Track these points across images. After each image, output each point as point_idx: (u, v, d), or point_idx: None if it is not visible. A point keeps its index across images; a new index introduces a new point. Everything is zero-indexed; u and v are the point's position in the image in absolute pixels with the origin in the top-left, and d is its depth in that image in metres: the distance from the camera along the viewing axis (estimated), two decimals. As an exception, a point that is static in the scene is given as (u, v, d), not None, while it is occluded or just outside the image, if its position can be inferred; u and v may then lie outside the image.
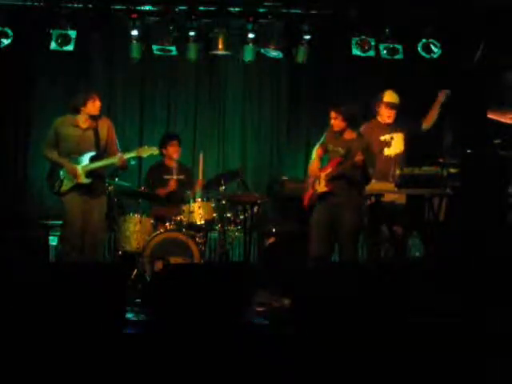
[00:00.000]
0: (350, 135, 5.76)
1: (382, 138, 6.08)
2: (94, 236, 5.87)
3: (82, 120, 5.86)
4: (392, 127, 6.15)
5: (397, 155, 6.15)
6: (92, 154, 5.85)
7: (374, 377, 3.34)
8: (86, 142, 5.86)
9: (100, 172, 5.95)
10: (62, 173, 5.84)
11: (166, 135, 7.16)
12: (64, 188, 5.81)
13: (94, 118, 5.90)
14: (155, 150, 6.24)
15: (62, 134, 5.86)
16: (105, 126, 5.96)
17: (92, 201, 5.84)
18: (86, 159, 5.84)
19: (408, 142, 6.19)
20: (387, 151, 6.08)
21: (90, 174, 5.82)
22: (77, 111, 5.87)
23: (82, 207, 5.79)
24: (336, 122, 5.72)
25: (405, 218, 5.96)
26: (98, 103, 5.86)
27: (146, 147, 6.19)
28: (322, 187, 5.73)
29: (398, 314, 3.70)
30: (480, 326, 3.67)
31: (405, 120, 6.23)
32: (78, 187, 5.80)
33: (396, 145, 6.12)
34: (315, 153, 5.93)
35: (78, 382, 3.29)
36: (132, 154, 6.08)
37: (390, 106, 6.10)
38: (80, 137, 5.85)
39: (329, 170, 5.72)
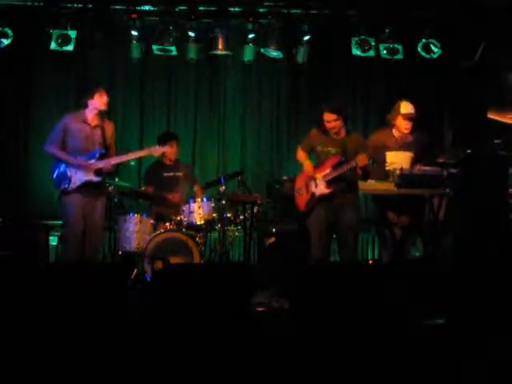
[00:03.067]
0: (340, 134, 5.69)
1: (388, 168, 5.72)
2: (94, 236, 5.81)
3: (91, 117, 5.80)
4: (406, 146, 5.83)
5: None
6: (100, 152, 5.75)
7: (373, 376, 3.34)
8: (94, 139, 5.77)
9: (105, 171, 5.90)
10: (68, 171, 5.70)
11: (165, 134, 7.13)
12: (72, 186, 5.67)
13: (101, 115, 5.83)
14: (167, 149, 6.23)
15: (71, 129, 5.74)
16: (110, 128, 5.91)
17: (93, 201, 5.78)
18: (94, 157, 5.74)
19: (415, 162, 5.78)
20: (391, 165, 5.74)
21: (99, 172, 5.74)
22: (85, 105, 5.81)
23: (83, 207, 5.73)
24: (337, 123, 5.62)
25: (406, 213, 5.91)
26: (105, 97, 5.77)
27: (158, 147, 6.15)
28: (321, 189, 5.67)
29: (398, 315, 3.70)
30: (479, 325, 3.67)
31: (421, 136, 5.90)
32: (85, 186, 5.70)
33: (402, 163, 5.75)
34: (301, 155, 5.85)
35: (78, 381, 3.29)
36: (143, 153, 6.07)
37: (408, 117, 5.81)
38: (88, 133, 5.77)
39: (326, 171, 5.64)
